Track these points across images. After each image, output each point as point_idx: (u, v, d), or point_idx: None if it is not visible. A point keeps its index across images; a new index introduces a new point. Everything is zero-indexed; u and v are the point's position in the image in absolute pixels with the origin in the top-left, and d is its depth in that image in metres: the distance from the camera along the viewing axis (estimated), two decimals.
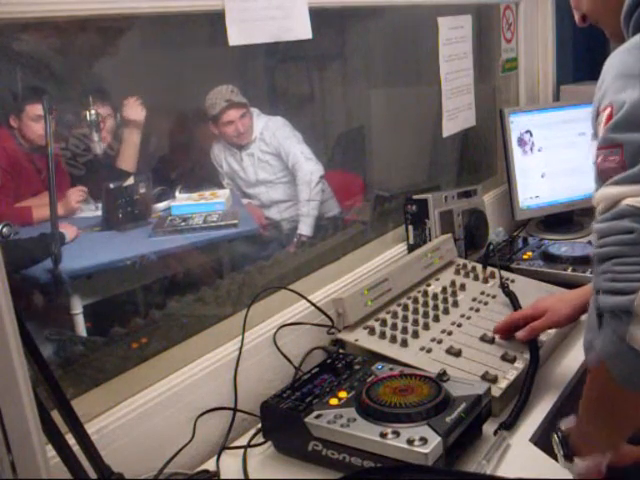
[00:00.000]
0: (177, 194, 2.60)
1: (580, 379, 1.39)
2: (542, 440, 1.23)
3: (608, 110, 0.95)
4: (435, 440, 1.05)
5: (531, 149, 2.24)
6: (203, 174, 2.90)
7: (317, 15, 1.51)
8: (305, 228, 2.79)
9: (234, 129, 2.80)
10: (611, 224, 0.93)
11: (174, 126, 2.89)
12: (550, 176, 2.26)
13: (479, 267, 1.74)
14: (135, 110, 2.45)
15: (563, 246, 1.98)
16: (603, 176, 0.95)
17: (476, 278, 1.70)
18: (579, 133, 2.27)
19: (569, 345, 1.53)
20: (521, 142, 2.24)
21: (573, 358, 1.47)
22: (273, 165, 2.88)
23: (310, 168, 2.82)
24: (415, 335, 1.42)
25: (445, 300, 1.57)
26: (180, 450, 1.22)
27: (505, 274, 1.72)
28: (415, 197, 1.88)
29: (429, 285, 1.64)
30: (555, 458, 1.13)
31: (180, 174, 2.81)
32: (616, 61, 0.99)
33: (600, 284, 0.93)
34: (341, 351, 1.41)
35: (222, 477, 1.18)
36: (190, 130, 2.95)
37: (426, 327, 1.46)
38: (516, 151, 2.22)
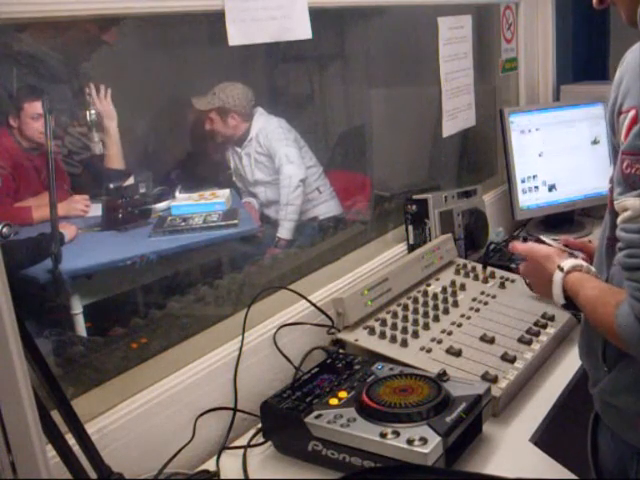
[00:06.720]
0: (177, 194, 2.59)
1: (580, 379, 1.39)
2: (542, 440, 1.23)
3: (632, 112, 0.92)
4: (435, 440, 1.05)
5: (529, 129, 2.24)
6: (204, 174, 2.90)
7: (318, 15, 1.51)
8: (284, 232, 2.78)
9: (209, 124, 2.79)
10: None
11: (174, 125, 2.88)
12: (547, 155, 2.25)
13: (479, 267, 1.74)
14: (105, 104, 2.41)
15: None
16: (628, 181, 0.92)
17: (476, 278, 1.70)
18: (578, 133, 2.27)
19: (569, 345, 1.53)
20: None
21: (573, 358, 1.47)
22: (268, 167, 2.86)
23: (290, 172, 2.77)
24: (415, 335, 1.43)
25: (445, 300, 1.57)
26: (180, 450, 1.22)
27: (505, 274, 1.72)
28: (415, 197, 1.88)
29: (429, 285, 1.64)
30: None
31: (180, 174, 2.80)
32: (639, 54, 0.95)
33: (632, 292, 0.93)
34: (341, 351, 1.41)
35: (222, 477, 1.18)
36: (190, 129, 2.95)
37: (426, 327, 1.46)
38: (514, 131, 2.21)
